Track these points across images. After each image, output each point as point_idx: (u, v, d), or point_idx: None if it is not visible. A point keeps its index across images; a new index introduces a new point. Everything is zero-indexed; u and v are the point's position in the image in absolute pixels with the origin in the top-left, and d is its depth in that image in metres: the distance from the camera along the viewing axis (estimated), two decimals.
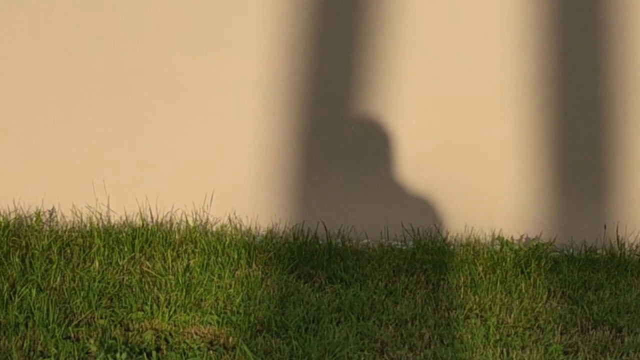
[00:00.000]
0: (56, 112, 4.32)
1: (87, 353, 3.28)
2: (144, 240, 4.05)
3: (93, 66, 4.28)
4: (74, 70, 4.29)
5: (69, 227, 4.28)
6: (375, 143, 4.34)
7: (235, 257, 3.97)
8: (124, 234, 4.08)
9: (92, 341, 3.29)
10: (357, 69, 4.31)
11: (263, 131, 4.32)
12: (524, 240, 4.36)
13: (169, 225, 4.27)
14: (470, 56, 4.28)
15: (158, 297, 3.59)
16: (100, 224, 4.25)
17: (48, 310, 3.46)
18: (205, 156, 4.34)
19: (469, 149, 4.36)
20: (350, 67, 4.32)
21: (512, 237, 4.36)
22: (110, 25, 4.25)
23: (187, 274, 3.81)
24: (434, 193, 4.38)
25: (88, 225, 4.26)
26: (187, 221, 4.29)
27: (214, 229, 4.26)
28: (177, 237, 4.12)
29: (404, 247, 4.22)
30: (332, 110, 4.34)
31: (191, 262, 3.92)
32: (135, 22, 4.25)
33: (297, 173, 4.34)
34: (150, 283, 3.73)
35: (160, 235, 4.11)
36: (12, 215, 4.30)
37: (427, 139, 4.35)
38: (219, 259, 3.94)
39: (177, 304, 3.55)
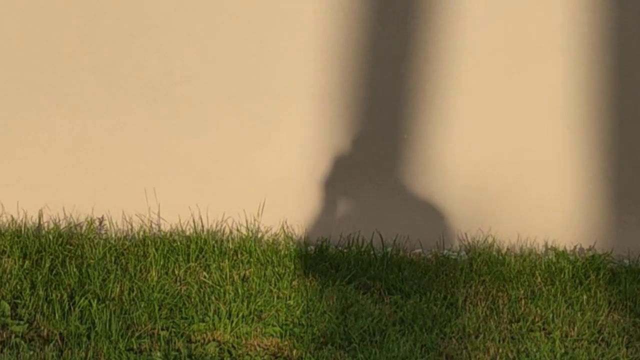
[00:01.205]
0: (106, 119, 4.28)
1: None
2: (198, 250, 4.02)
3: (143, 73, 4.24)
4: (124, 77, 4.25)
5: (119, 235, 4.24)
6: (427, 152, 4.30)
7: (292, 267, 3.93)
8: (178, 243, 4.05)
9: (158, 353, 3.25)
10: (410, 78, 4.27)
11: (315, 140, 4.28)
12: (577, 250, 4.32)
13: (220, 234, 4.23)
14: (525, 66, 4.24)
15: (219, 308, 3.56)
16: (151, 232, 4.21)
17: (110, 321, 3.42)
18: (257, 165, 4.30)
19: (521, 159, 4.32)
20: (403, 77, 4.28)
21: (565, 248, 4.31)
22: (161, 31, 4.22)
23: (245, 284, 3.77)
24: (486, 203, 4.34)
25: (139, 233, 4.22)
26: (238, 230, 4.25)
27: (266, 238, 4.22)
28: (230, 246, 4.08)
29: (459, 258, 4.18)
30: (385, 119, 4.30)
31: (247, 272, 3.88)
32: (186, 28, 4.21)
33: (349, 182, 4.30)
34: (209, 293, 3.69)
35: (214, 245, 4.07)
36: (63, 223, 4.26)
37: (480, 149, 4.31)
38: (276, 269, 3.91)
39: (239, 315, 3.52)
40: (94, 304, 3.53)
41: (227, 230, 4.28)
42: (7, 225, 4.24)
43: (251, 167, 4.30)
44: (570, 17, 4.17)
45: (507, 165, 4.32)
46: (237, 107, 4.27)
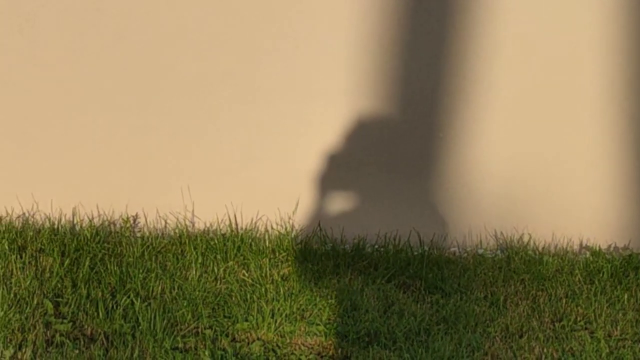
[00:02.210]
0: (140, 117, 4.26)
1: None
2: (235, 248, 4.01)
3: (178, 71, 4.22)
4: (159, 76, 4.23)
5: (153, 233, 4.23)
6: (461, 151, 4.29)
7: (330, 265, 3.92)
8: (215, 241, 4.04)
9: (206, 352, 3.24)
10: (445, 77, 4.25)
11: (350, 138, 4.26)
12: (612, 249, 4.31)
13: (255, 232, 4.22)
14: (558, 64, 4.22)
15: (261, 307, 3.55)
16: (185, 231, 4.20)
17: (154, 319, 3.41)
18: (291, 163, 4.28)
19: (556, 158, 4.31)
20: (439, 75, 4.26)
21: (599, 246, 4.30)
22: (195, 30, 4.20)
23: (286, 283, 3.76)
24: (521, 202, 4.33)
25: (173, 231, 4.21)
26: (272, 228, 4.24)
27: (301, 237, 4.21)
28: (268, 244, 4.07)
29: (495, 257, 4.17)
30: (420, 117, 4.28)
31: (286, 270, 3.87)
32: (220, 27, 4.19)
33: (383, 180, 4.29)
34: (250, 292, 3.68)
35: (251, 243, 4.06)
36: (97, 221, 4.25)
37: (514, 146, 4.30)
38: (315, 267, 3.89)
39: (282, 314, 3.51)
40: (137, 303, 3.52)
41: (261, 229, 4.26)
42: (40, 223, 4.22)
43: (286, 166, 4.29)
44: (602, 15, 4.15)
45: (542, 164, 4.31)
46: (271, 106, 4.25)
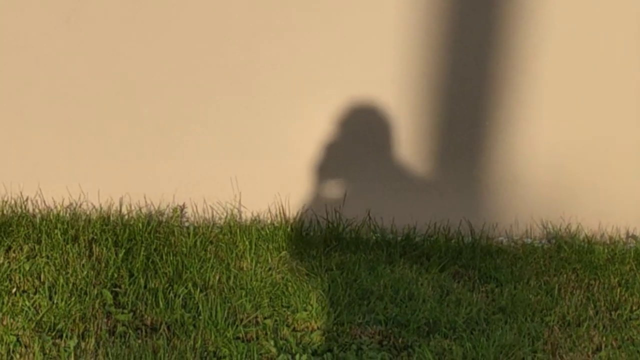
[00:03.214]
0: (187, 107, 4.26)
1: (261, 354, 3.24)
2: (286, 238, 4.01)
3: (225, 62, 4.21)
4: (207, 66, 4.22)
5: (202, 223, 4.23)
6: (508, 140, 4.29)
7: (383, 255, 3.93)
8: (266, 231, 4.04)
9: (271, 342, 3.25)
10: (491, 65, 4.25)
11: (398, 129, 4.26)
12: None
13: (304, 223, 4.22)
14: (605, 53, 4.22)
15: (319, 296, 3.55)
16: (234, 221, 4.20)
17: (215, 309, 3.42)
18: (338, 154, 4.28)
19: (601, 145, 4.31)
20: (485, 64, 4.26)
21: None
22: (242, 20, 4.18)
23: (341, 272, 3.76)
24: (568, 191, 4.33)
25: (222, 221, 4.21)
26: (324, 218, 4.24)
27: (349, 228, 4.21)
28: (319, 234, 4.07)
29: (543, 246, 4.17)
30: (467, 106, 4.28)
31: (340, 259, 3.87)
32: (266, 17, 4.18)
33: (430, 170, 4.29)
34: (306, 281, 3.68)
35: (302, 233, 4.06)
36: (144, 211, 4.25)
37: (560, 135, 4.30)
38: (368, 257, 3.90)
39: (341, 304, 3.51)
40: (196, 293, 3.53)
41: (310, 219, 4.27)
42: (89, 213, 4.22)
43: (332, 157, 4.28)
44: None
45: (588, 153, 4.32)
46: (317, 96, 4.24)
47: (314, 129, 4.27)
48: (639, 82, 4.26)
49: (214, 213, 4.31)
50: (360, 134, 4.28)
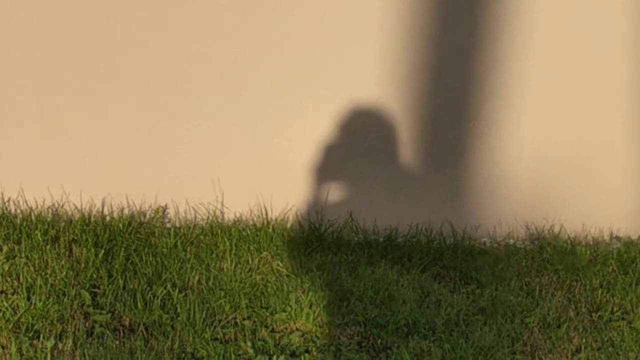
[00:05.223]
0: (169, 108, 4.24)
1: (239, 355, 3.23)
2: (268, 239, 4.00)
3: (208, 61, 4.20)
4: (189, 66, 4.21)
5: (184, 224, 4.21)
6: (491, 141, 4.28)
7: (365, 256, 3.92)
8: (247, 232, 4.03)
9: (249, 343, 3.24)
10: (474, 66, 4.24)
11: (381, 130, 4.25)
12: None
13: (286, 223, 4.21)
14: (589, 55, 4.22)
15: (299, 298, 3.54)
16: (216, 221, 4.19)
17: (193, 310, 3.41)
18: (322, 154, 4.27)
19: (585, 147, 4.31)
20: (468, 64, 4.25)
21: (629, 237, 4.30)
22: (227, 20, 4.16)
23: (321, 273, 3.75)
24: (551, 193, 4.32)
25: (204, 222, 4.20)
26: (304, 219, 4.23)
27: (331, 229, 4.19)
28: (301, 235, 4.06)
29: (525, 247, 4.16)
30: (451, 108, 4.27)
31: (321, 260, 3.86)
32: (252, 17, 4.16)
33: (413, 171, 4.28)
34: (286, 282, 3.67)
35: (283, 233, 4.05)
36: (126, 212, 4.24)
37: (544, 136, 4.29)
38: (349, 258, 3.89)
39: (320, 305, 3.50)
40: (174, 294, 3.51)
41: (292, 220, 4.26)
42: (71, 214, 4.21)
43: (316, 157, 4.27)
44: (637, 6, 4.14)
45: (572, 154, 4.31)
46: (301, 96, 4.23)
47: (298, 130, 4.26)
48: (624, 83, 4.25)
49: (197, 214, 4.29)
50: (343, 135, 4.27)
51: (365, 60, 4.19)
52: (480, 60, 4.22)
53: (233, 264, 3.78)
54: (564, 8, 4.16)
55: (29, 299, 3.45)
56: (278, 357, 3.20)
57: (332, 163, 4.27)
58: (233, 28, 4.17)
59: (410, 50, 4.17)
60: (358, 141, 4.27)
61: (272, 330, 3.40)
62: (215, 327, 3.36)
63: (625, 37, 4.19)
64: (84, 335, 3.28)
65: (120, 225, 4.00)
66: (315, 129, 4.25)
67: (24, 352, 3.17)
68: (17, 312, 3.36)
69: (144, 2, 4.13)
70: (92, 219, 4.10)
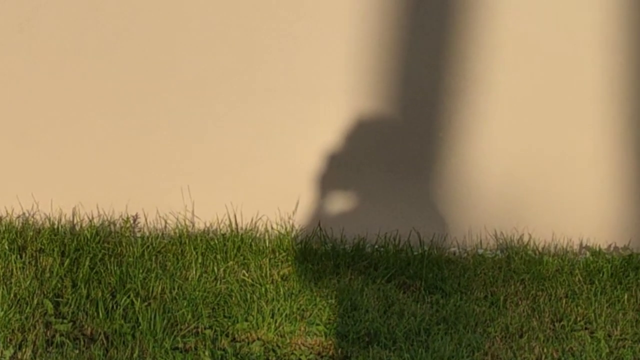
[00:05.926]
0: (139, 117, 4.26)
1: None
2: (235, 248, 4.01)
3: (178, 70, 4.22)
4: (158, 75, 4.22)
5: (153, 233, 4.22)
6: (461, 150, 4.28)
7: (331, 265, 3.92)
8: (215, 241, 4.04)
9: (206, 352, 3.24)
10: (444, 75, 4.25)
11: (350, 137, 4.26)
12: (612, 249, 4.31)
13: (255, 233, 4.21)
14: (558, 64, 4.22)
15: (261, 307, 3.55)
16: (185, 231, 4.20)
17: (154, 319, 3.41)
18: (291, 163, 4.28)
19: (555, 156, 4.31)
20: (438, 74, 4.26)
21: (599, 246, 4.30)
22: (195, 28, 4.19)
23: (286, 283, 3.76)
24: (521, 202, 4.33)
25: (174, 231, 4.21)
26: (273, 228, 4.24)
27: (301, 237, 4.20)
28: (267, 244, 4.07)
29: (495, 256, 4.16)
30: (420, 117, 4.28)
31: (287, 270, 3.87)
32: (222, 26, 4.18)
33: (383, 180, 4.29)
34: (250, 292, 3.68)
35: (251, 243, 4.06)
36: (97, 221, 4.25)
37: (514, 146, 4.30)
38: (315, 267, 3.90)
39: (282, 314, 3.51)
40: (137, 303, 3.52)
41: (261, 229, 4.26)
42: (41, 223, 4.22)
43: (286, 166, 4.28)
44: (605, 17, 4.15)
45: (542, 164, 4.31)
46: (271, 105, 4.25)
47: (267, 140, 4.27)
48: (594, 93, 4.25)
49: (167, 223, 4.30)
50: (313, 144, 4.27)
51: (332, 69, 4.20)
52: (449, 69, 4.23)
53: (198, 274, 3.79)
54: (534, 18, 4.17)
55: None
56: None
57: (302, 172, 4.28)
58: (204, 41, 4.18)
59: (380, 60, 4.18)
60: (328, 150, 4.27)
61: (233, 340, 3.41)
62: (175, 336, 3.36)
63: (595, 45, 4.19)
64: (44, 345, 3.28)
65: (88, 234, 4.00)
66: (285, 139, 4.26)
67: None
68: None
69: (115, 10, 4.14)
70: (61, 229, 4.10)
